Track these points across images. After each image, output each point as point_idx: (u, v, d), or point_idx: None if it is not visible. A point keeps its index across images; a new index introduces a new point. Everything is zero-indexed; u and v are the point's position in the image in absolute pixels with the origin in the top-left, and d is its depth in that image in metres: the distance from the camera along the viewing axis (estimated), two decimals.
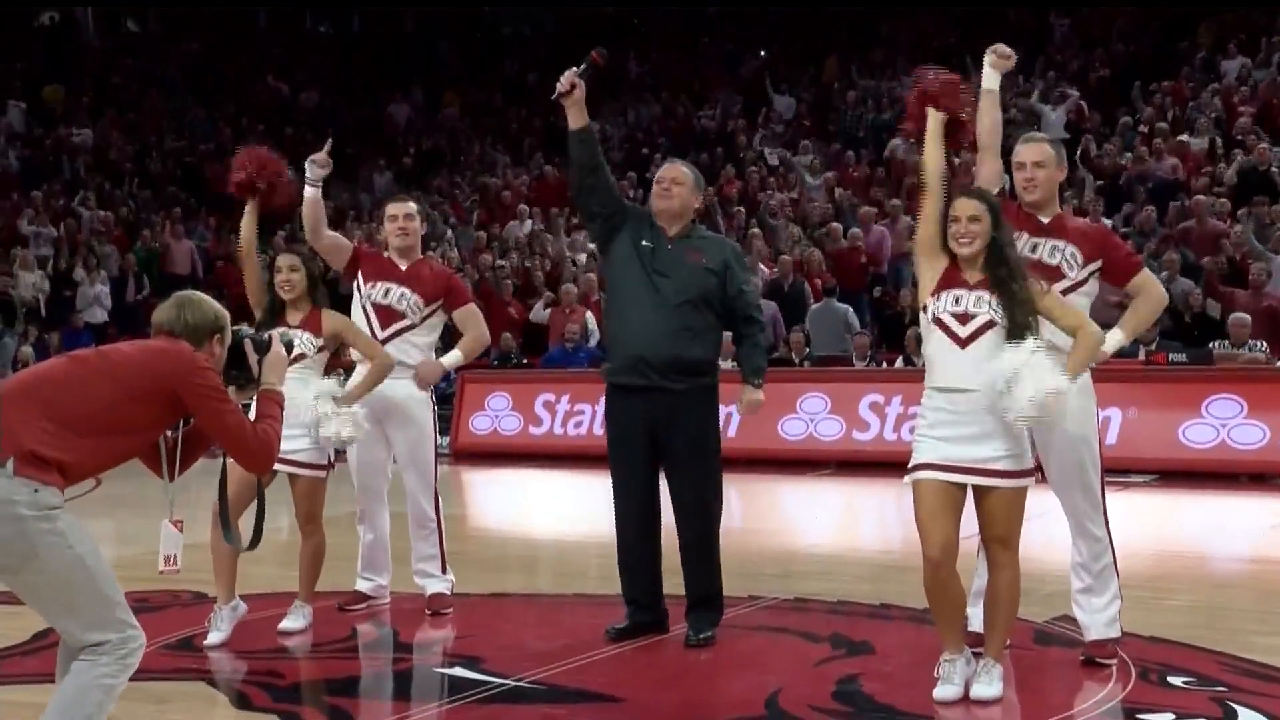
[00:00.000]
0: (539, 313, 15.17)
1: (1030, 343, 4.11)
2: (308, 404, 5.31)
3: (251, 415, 3.62)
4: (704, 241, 5.17)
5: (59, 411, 3.25)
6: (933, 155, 4.45)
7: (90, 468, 3.34)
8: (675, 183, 5.17)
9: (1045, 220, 4.80)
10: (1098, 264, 4.76)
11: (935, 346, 4.27)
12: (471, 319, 5.92)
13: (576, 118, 5.13)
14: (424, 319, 5.83)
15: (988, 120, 4.72)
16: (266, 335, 3.80)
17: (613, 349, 5.18)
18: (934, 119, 4.46)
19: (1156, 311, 4.85)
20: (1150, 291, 4.77)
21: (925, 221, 4.38)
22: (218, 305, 3.68)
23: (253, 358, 3.70)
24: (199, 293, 3.72)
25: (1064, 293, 4.64)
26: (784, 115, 20.64)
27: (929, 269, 4.36)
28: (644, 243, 5.10)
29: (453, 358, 5.80)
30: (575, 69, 5.12)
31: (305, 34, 27.90)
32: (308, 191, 5.65)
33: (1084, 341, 4.25)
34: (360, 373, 5.68)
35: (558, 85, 5.11)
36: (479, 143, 22.35)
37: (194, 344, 3.52)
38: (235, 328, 3.74)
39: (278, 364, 3.72)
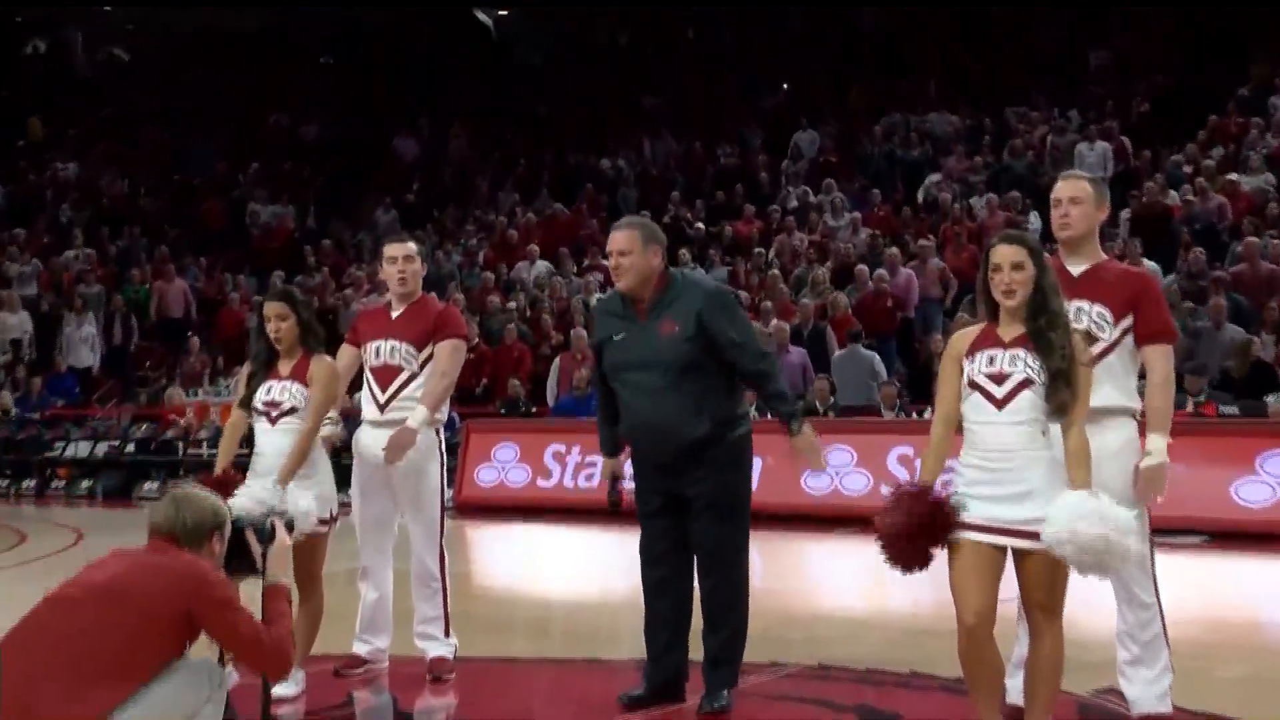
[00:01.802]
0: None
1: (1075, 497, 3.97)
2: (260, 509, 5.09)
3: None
4: (677, 303, 5.04)
5: (68, 664, 3.18)
6: (932, 469, 4.30)
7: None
8: (622, 254, 5.08)
9: (1078, 271, 4.78)
10: (1128, 321, 4.70)
11: (972, 408, 4.26)
12: (441, 357, 5.77)
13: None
14: (423, 364, 5.83)
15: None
16: (269, 522, 3.82)
17: (628, 439, 5.21)
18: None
19: (1168, 396, 4.69)
20: (1155, 370, 4.64)
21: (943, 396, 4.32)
22: (215, 499, 3.69)
23: (255, 548, 3.73)
24: (195, 488, 3.73)
25: (1098, 358, 4.60)
26: (806, 151, 20.74)
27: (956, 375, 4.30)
28: (615, 337, 5.11)
29: (418, 416, 5.63)
30: (614, 497, 5.26)
31: (308, 64, 28.17)
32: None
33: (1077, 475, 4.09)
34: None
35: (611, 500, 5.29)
36: (487, 179, 22.49)
37: (193, 546, 3.53)
38: (235, 516, 3.76)
39: (282, 555, 3.74)
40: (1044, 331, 4.17)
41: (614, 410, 5.22)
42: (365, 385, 5.89)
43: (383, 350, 5.83)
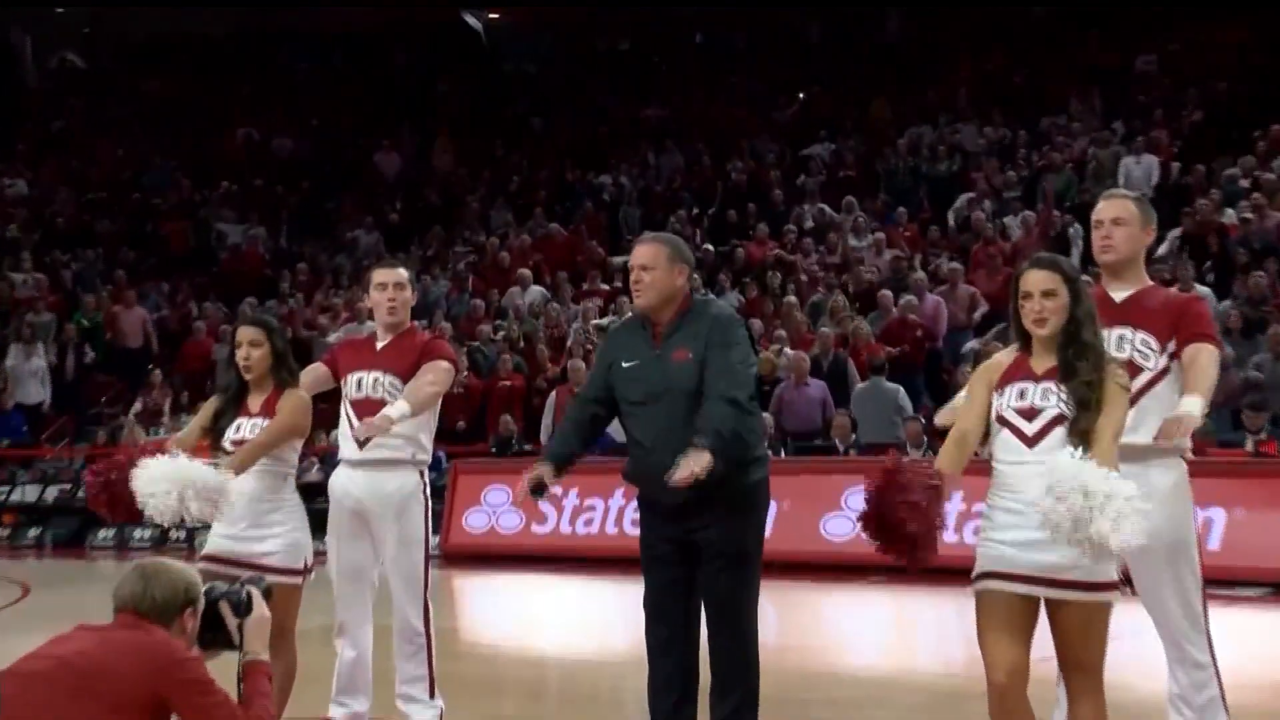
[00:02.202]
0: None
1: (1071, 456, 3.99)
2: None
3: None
4: (691, 327, 5.05)
5: None
6: (951, 462, 4.37)
7: None
8: (644, 269, 5.08)
9: (1120, 298, 4.80)
10: (1174, 346, 4.71)
11: (1001, 445, 4.29)
12: (431, 368, 5.78)
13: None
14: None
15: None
16: (245, 592, 3.82)
17: (635, 480, 5.23)
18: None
19: (1213, 365, 4.63)
20: (1198, 362, 4.57)
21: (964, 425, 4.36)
22: (188, 572, 3.69)
23: (231, 622, 3.75)
24: (164, 560, 3.72)
25: (1144, 389, 4.64)
26: (825, 166, 20.82)
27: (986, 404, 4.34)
28: (625, 364, 5.12)
29: (398, 407, 5.60)
30: (534, 478, 5.15)
31: (280, 72, 28.34)
32: None
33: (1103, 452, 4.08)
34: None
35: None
36: (476, 197, 22.60)
37: (163, 623, 3.54)
38: (208, 586, 3.76)
39: (261, 628, 3.76)
40: (1072, 363, 4.20)
41: (584, 434, 5.20)
42: (343, 421, 5.91)
43: (365, 383, 5.86)
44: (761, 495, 5.14)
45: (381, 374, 5.84)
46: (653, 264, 5.08)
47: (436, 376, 5.79)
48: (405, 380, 5.81)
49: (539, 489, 5.14)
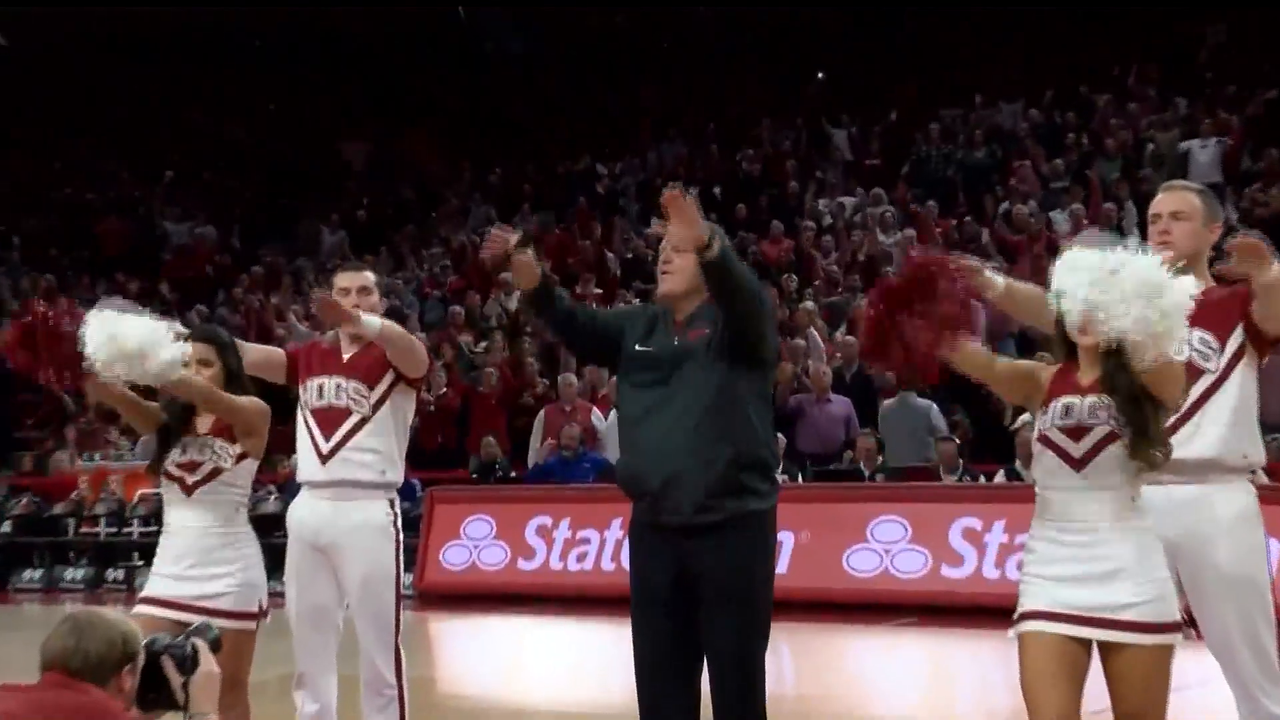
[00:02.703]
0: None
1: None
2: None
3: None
4: (713, 312, 5.07)
5: None
6: (971, 370, 4.42)
7: None
8: (677, 251, 5.10)
9: None
10: (1239, 337, 4.69)
11: (1045, 469, 4.27)
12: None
13: (524, 278, 5.17)
14: (375, 406, 5.85)
15: (1019, 296, 4.65)
16: (190, 645, 3.81)
17: (628, 489, 5.20)
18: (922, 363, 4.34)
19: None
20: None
21: (997, 388, 4.44)
22: (124, 623, 3.66)
23: (175, 679, 3.72)
24: (98, 609, 3.69)
25: (1205, 396, 4.62)
26: (846, 155, 20.85)
27: (1033, 397, 4.36)
28: (638, 348, 5.13)
29: (371, 319, 5.72)
30: (515, 238, 5.17)
31: (233, 52, 28.31)
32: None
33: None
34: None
35: (484, 247, 5.23)
36: (454, 191, 22.62)
37: (98, 682, 3.50)
38: (148, 639, 3.73)
39: (209, 684, 3.74)
40: (1114, 374, 4.19)
41: (575, 315, 5.27)
42: (303, 434, 5.89)
43: (327, 389, 5.86)
44: (771, 526, 5.11)
45: (345, 380, 5.85)
46: (686, 246, 5.07)
47: (414, 339, 5.93)
48: (371, 384, 5.83)
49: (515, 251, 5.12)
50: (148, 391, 5.53)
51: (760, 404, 5.06)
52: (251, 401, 5.52)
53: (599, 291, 17.66)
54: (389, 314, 6.22)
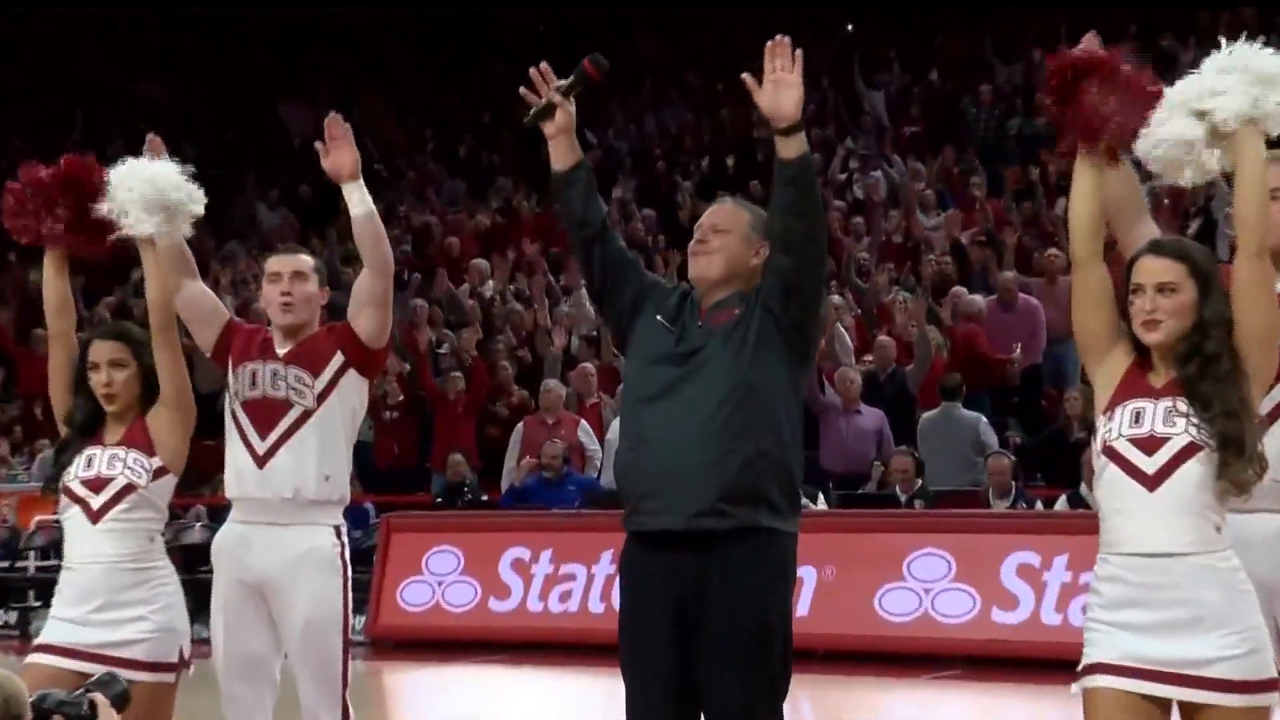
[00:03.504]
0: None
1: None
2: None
3: None
4: (744, 289, 5.14)
5: None
6: (1088, 196, 4.42)
7: None
8: (716, 230, 5.18)
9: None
10: None
11: (1111, 488, 4.25)
12: None
13: (563, 154, 5.27)
14: (321, 397, 5.82)
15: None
16: (86, 702, 3.80)
17: (625, 485, 5.18)
18: (1090, 143, 4.38)
19: None
20: None
21: (1080, 303, 4.40)
22: (8, 681, 3.67)
23: None
24: None
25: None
26: (880, 119, 20.85)
27: (1099, 372, 4.36)
28: (659, 318, 5.13)
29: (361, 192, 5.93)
30: (558, 84, 5.21)
31: None
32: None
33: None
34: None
35: (531, 105, 5.21)
36: (416, 163, 22.62)
37: None
38: (38, 695, 3.73)
39: None
40: (1195, 382, 4.20)
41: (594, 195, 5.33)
42: (233, 435, 5.83)
43: (262, 376, 5.82)
44: (790, 554, 5.10)
45: (283, 366, 5.83)
46: (730, 226, 5.16)
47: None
48: (317, 370, 5.81)
49: (547, 110, 5.19)
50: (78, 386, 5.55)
51: (791, 403, 5.08)
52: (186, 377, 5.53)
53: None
54: (334, 308, 6.20)
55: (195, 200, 5.63)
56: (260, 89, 25.02)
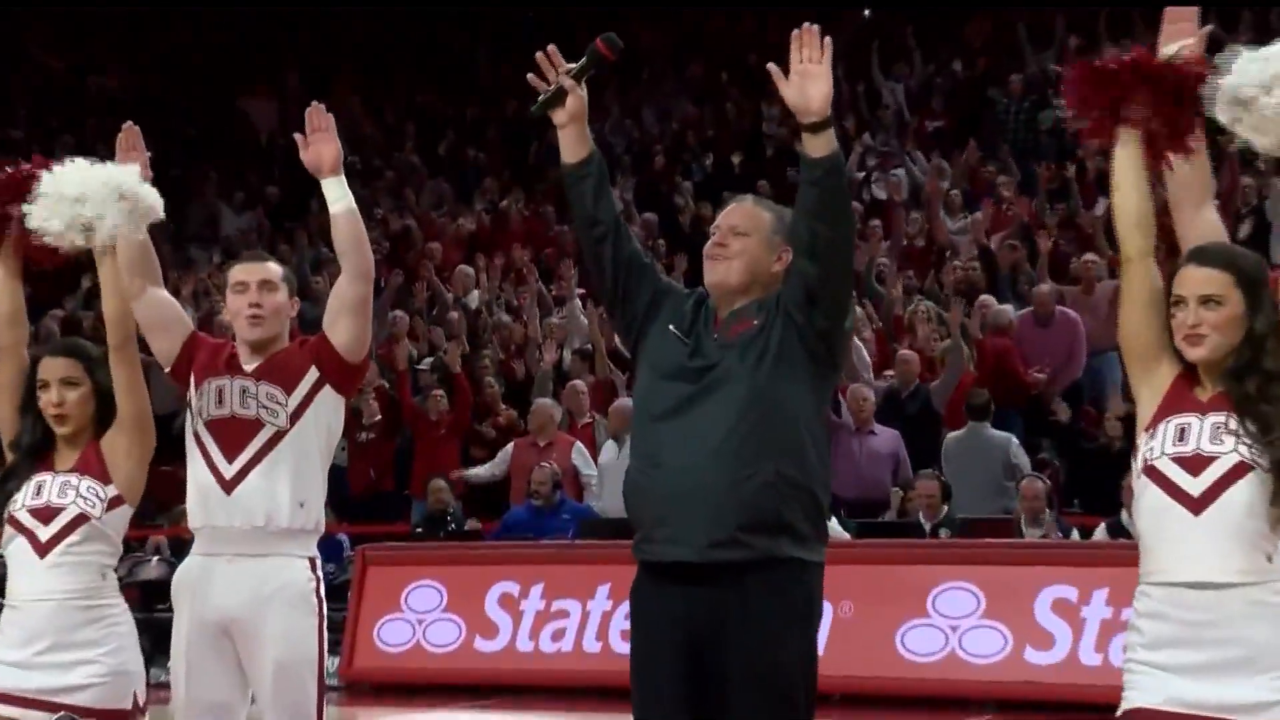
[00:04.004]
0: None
1: None
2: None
3: None
4: (764, 297, 5.15)
5: None
6: (1132, 189, 4.45)
7: None
8: (736, 232, 5.17)
9: None
10: None
11: (1152, 512, 4.25)
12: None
13: (574, 145, 5.27)
14: (295, 415, 5.81)
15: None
16: None
17: (635, 509, 5.17)
18: (1131, 137, 4.41)
19: None
20: None
21: (1128, 306, 4.41)
22: None
23: None
24: None
25: None
26: (900, 112, 20.84)
27: (1144, 383, 4.37)
28: (672, 328, 5.13)
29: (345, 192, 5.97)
30: (569, 67, 5.22)
31: None
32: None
33: None
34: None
35: (540, 92, 5.22)
36: (392, 161, 22.60)
37: None
38: None
39: None
40: (1253, 401, 4.20)
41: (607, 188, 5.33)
42: (196, 458, 5.82)
43: (229, 393, 5.81)
44: (816, 587, 5.09)
45: (253, 382, 5.82)
46: (749, 228, 5.16)
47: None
48: (290, 386, 5.80)
49: (557, 97, 5.20)
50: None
51: (815, 421, 5.09)
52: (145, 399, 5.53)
53: (582, 291, 17.67)
54: (305, 320, 6.21)
55: (154, 201, 5.58)
56: (222, 80, 25.00)
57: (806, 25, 4.91)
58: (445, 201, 21.35)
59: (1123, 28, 20.64)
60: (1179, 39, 4.45)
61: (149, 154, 6.00)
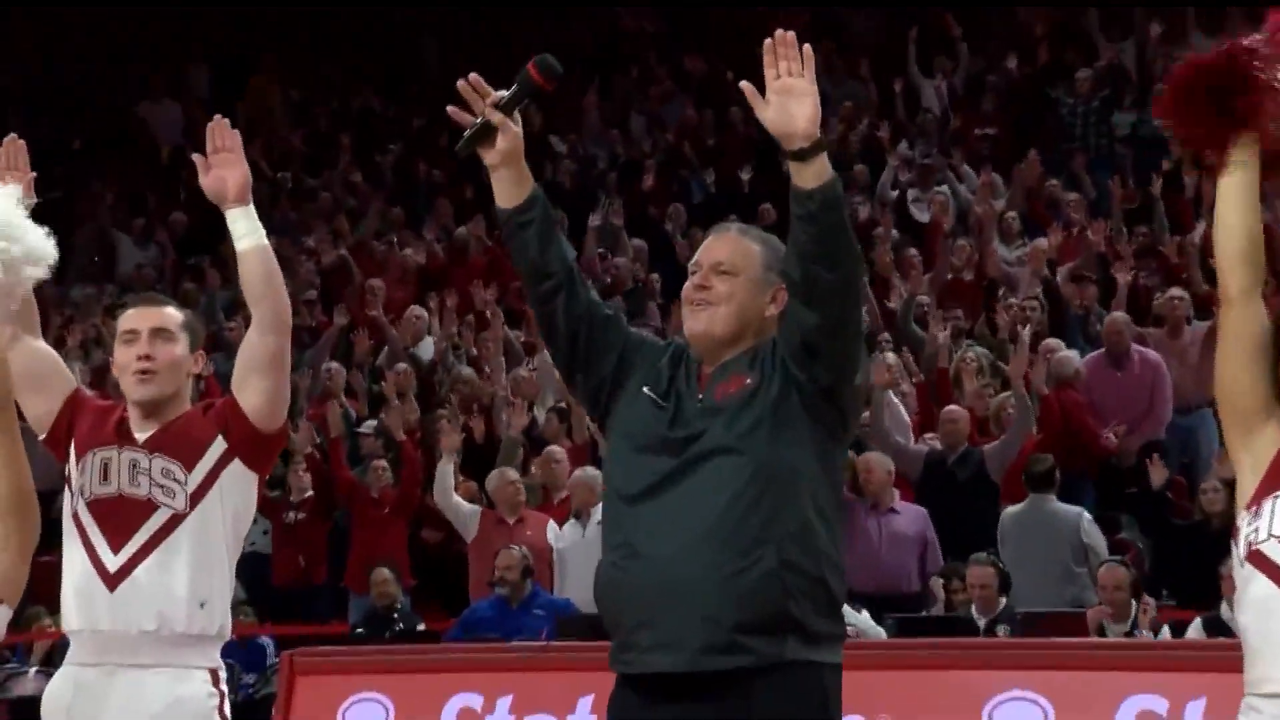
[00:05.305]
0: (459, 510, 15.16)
1: None
2: None
3: None
4: (758, 357, 5.15)
5: None
6: (1242, 214, 4.45)
7: None
8: (720, 271, 5.20)
9: None
10: None
11: (1260, 607, 4.28)
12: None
13: (509, 187, 5.34)
14: (195, 496, 5.81)
15: None
16: None
17: (609, 611, 5.16)
18: (1247, 150, 4.45)
19: None
20: None
21: (1226, 352, 4.42)
22: None
23: None
24: None
25: None
26: (943, 116, 20.93)
27: (1245, 449, 4.37)
28: (647, 390, 5.15)
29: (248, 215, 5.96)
30: (497, 97, 5.28)
31: None
32: None
33: None
34: None
35: (464, 127, 5.30)
36: (328, 180, 22.67)
37: None
38: None
39: None
40: None
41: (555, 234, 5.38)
42: (74, 546, 5.82)
43: (116, 468, 5.82)
44: (834, 694, 5.09)
45: (145, 455, 5.82)
46: (737, 266, 5.18)
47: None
48: (191, 461, 5.81)
49: (485, 133, 5.28)
50: None
51: (824, 494, 5.10)
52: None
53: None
54: (222, 377, 6.19)
55: (42, 244, 5.40)
56: (116, 83, 25.11)
57: (781, 32, 4.86)
58: (390, 228, 21.39)
59: (1214, 12, 20.82)
60: None
61: (33, 174, 6.02)
